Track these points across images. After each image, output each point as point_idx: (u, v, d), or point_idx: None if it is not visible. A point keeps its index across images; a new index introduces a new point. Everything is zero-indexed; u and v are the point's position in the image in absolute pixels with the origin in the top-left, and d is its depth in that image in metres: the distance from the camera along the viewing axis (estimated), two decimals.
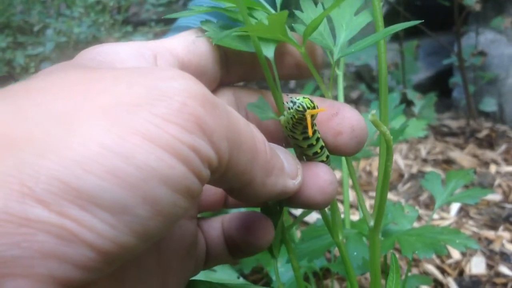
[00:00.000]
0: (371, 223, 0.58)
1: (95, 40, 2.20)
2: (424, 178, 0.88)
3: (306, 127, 0.42)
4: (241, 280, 0.88)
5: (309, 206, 0.42)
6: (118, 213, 0.24)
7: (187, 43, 0.41)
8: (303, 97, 0.41)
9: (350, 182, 1.29)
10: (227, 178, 0.31)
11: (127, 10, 2.58)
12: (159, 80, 0.27)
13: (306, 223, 1.29)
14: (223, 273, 0.88)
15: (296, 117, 0.41)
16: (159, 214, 0.25)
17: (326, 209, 0.54)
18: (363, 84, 2.15)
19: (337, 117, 0.43)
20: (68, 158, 0.23)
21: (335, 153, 0.46)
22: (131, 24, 2.42)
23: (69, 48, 2.19)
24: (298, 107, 0.41)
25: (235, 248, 0.46)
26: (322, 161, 0.45)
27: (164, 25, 2.57)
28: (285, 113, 0.43)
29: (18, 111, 0.25)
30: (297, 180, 0.40)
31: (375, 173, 1.52)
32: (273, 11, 0.53)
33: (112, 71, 0.28)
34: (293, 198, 0.40)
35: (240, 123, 0.31)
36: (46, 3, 2.40)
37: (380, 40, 0.50)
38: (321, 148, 0.45)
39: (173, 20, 2.12)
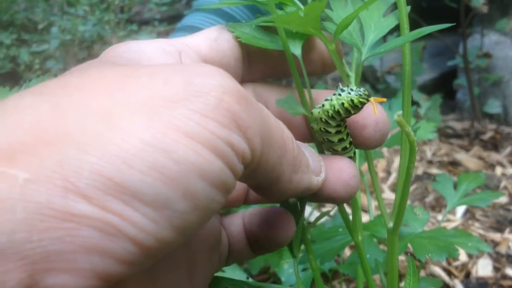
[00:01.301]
0: (390, 224, 0.58)
1: (100, 38, 2.20)
2: (435, 181, 0.88)
3: (345, 119, 0.42)
4: (251, 280, 0.88)
5: (333, 200, 0.43)
6: (160, 207, 0.24)
7: (210, 41, 0.41)
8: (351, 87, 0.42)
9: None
10: (257, 174, 0.31)
11: (130, 9, 2.58)
12: (195, 76, 0.27)
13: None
14: (232, 274, 0.88)
15: (355, 102, 0.41)
16: (198, 208, 0.25)
17: (346, 208, 0.54)
18: (368, 84, 2.15)
19: (363, 111, 0.43)
20: (110, 153, 0.23)
21: (360, 146, 0.46)
22: (135, 23, 2.41)
23: (74, 46, 2.19)
24: (361, 93, 0.41)
25: (257, 244, 0.47)
26: (350, 157, 0.46)
27: (167, 24, 2.57)
28: (324, 105, 0.43)
29: (58, 107, 0.25)
30: (321, 177, 0.40)
31: (381, 174, 1.52)
32: (301, 6, 0.54)
33: (147, 68, 0.28)
34: (317, 193, 0.41)
35: (271, 120, 0.32)
36: (49, 1, 2.40)
37: (407, 42, 0.50)
38: (350, 143, 0.45)
39: (177, 20, 2.12)
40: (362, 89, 0.42)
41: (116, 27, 2.33)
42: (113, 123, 0.24)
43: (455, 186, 0.88)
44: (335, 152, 0.45)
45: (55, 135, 0.24)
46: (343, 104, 0.42)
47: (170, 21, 2.58)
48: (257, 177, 0.32)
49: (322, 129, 0.44)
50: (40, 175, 0.22)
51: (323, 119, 0.43)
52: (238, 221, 0.47)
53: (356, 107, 0.42)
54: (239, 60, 0.44)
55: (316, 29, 0.47)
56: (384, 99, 0.43)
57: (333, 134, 0.43)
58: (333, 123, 0.43)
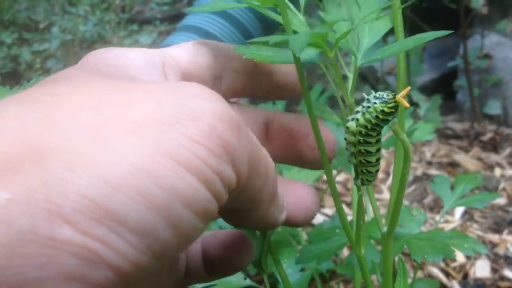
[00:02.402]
0: (385, 229, 0.59)
1: (101, 38, 2.20)
2: (432, 182, 0.89)
3: (383, 125, 0.43)
4: (248, 281, 0.89)
5: (290, 225, 0.43)
6: (144, 235, 0.24)
7: (189, 54, 0.41)
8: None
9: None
10: (237, 201, 0.31)
11: (131, 9, 2.59)
12: (189, 98, 0.27)
13: (311, 225, 1.29)
14: None
15: (387, 111, 0.42)
16: (181, 236, 0.25)
17: (348, 221, 0.55)
18: (368, 85, 2.16)
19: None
20: (98, 176, 0.23)
21: (310, 167, 0.48)
22: (136, 23, 2.42)
23: (74, 46, 2.19)
24: (387, 100, 0.42)
25: (212, 267, 0.46)
26: (377, 171, 0.47)
27: (168, 24, 2.57)
28: (358, 119, 0.43)
29: (45, 119, 0.24)
30: (284, 214, 0.40)
31: (380, 175, 1.52)
32: (297, 12, 0.54)
33: (141, 84, 0.28)
34: None
35: (259, 147, 0.32)
36: (51, 0, 2.40)
37: (407, 49, 0.50)
38: (380, 153, 0.47)
39: (178, 19, 2.12)
40: (385, 94, 0.42)
41: (117, 27, 2.34)
42: (103, 142, 0.24)
43: (453, 187, 0.88)
44: (367, 164, 0.46)
45: (42, 151, 0.23)
46: (377, 117, 0.42)
47: (172, 20, 2.59)
48: (237, 203, 0.32)
49: (361, 140, 0.45)
50: (23, 195, 0.21)
51: (363, 132, 0.44)
52: (196, 242, 0.46)
53: (390, 113, 0.42)
54: (214, 76, 0.43)
55: (324, 41, 0.47)
56: (406, 103, 0.44)
57: (373, 144, 0.44)
58: (374, 133, 0.43)
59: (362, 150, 0.45)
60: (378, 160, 0.47)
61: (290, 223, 0.42)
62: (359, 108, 0.44)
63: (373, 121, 0.43)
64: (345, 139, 0.46)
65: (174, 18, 2.59)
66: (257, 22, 1.93)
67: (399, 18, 0.55)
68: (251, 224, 0.36)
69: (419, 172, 1.52)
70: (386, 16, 0.56)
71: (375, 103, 0.42)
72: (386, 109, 0.42)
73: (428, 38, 0.48)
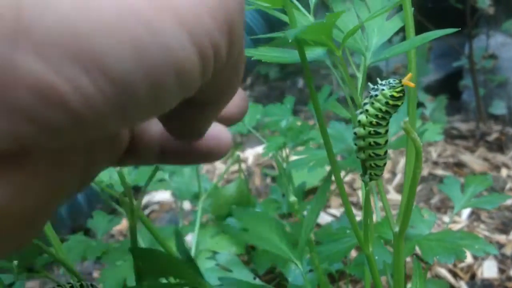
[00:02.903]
0: (396, 229, 0.59)
1: None
2: (442, 182, 0.88)
3: (393, 112, 0.44)
4: (258, 281, 0.89)
5: (225, 123, 0.40)
6: (120, 87, 0.21)
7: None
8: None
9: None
10: (206, 89, 0.28)
11: None
12: None
13: (318, 225, 1.29)
14: (239, 274, 0.88)
15: (396, 95, 0.43)
16: (155, 99, 0.23)
17: (358, 220, 0.55)
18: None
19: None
20: (88, 8, 0.19)
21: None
22: None
23: None
24: (394, 85, 0.44)
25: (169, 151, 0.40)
26: (385, 164, 0.48)
27: None
28: (368, 110, 0.45)
29: None
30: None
31: (386, 175, 1.52)
32: (306, 13, 0.54)
33: None
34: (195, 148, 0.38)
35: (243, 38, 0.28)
36: None
37: (415, 47, 0.50)
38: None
39: None
40: (391, 80, 0.44)
41: None
42: None
43: (462, 187, 0.88)
44: (376, 158, 0.47)
45: None
46: (387, 103, 0.44)
47: None
48: (204, 92, 0.28)
49: (371, 132, 0.45)
50: None
51: (374, 123, 0.45)
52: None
53: (399, 98, 0.44)
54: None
55: (328, 37, 0.48)
56: (411, 83, 0.45)
57: (383, 135, 0.45)
58: (384, 122, 0.45)
59: (372, 143, 0.46)
60: (386, 153, 0.48)
61: (225, 120, 0.39)
62: (366, 100, 0.46)
63: (383, 108, 0.44)
64: (355, 133, 0.47)
65: None
66: (263, 23, 1.93)
67: (410, 17, 0.55)
68: (193, 129, 0.33)
69: (425, 172, 1.52)
70: (396, 16, 0.56)
71: (383, 89, 0.44)
72: (395, 94, 0.43)
73: (436, 35, 0.48)
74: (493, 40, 1.88)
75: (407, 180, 0.59)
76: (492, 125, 1.79)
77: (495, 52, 1.85)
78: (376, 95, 0.45)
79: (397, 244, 0.59)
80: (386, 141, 0.48)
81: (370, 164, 0.49)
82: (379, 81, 0.45)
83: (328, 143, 0.53)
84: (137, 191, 1.63)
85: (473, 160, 1.55)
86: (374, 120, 0.45)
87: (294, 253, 0.56)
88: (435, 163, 1.57)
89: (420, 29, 0.52)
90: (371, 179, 0.52)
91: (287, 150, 1.08)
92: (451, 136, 1.76)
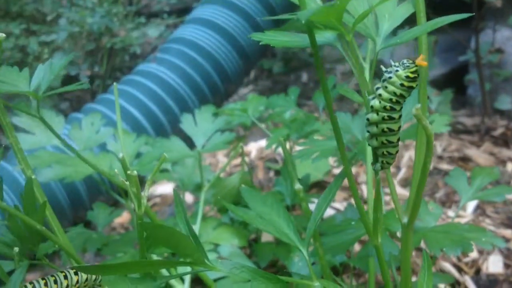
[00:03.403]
0: (405, 220, 0.57)
1: (108, 31, 2.19)
2: (449, 175, 0.87)
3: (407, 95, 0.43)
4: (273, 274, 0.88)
5: None
6: None
7: None
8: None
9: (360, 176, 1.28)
10: None
11: (139, 2, 2.57)
12: None
13: (321, 218, 1.28)
14: None
15: (411, 76, 0.43)
16: None
17: (367, 210, 0.54)
18: (377, 79, 2.14)
19: None
20: None
21: None
22: (144, 16, 2.40)
23: (82, 38, 2.18)
24: (408, 65, 0.43)
25: None
26: (397, 152, 0.48)
27: (176, 17, 2.56)
28: (381, 94, 0.44)
29: None
30: None
31: (391, 169, 1.50)
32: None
33: None
34: None
35: None
36: None
37: (425, 32, 0.49)
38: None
39: (186, 12, 2.11)
40: (405, 60, 0.43)
41: (125, 20, 2.32)
42: None
43: (468, 181, 0.87)
44: (389, 145, 0.47)
45: None
46: (402, 84, 0.43)
47: (179, 13, 2.57)
48: None
49: (385, 117, 0.45)
50: None
51: (387, 107, 0.44)
52: None
53: (414, 79, 0.43)
54: None
55: (339, 20, 0.47)
56: (425, 62, 0.45)
57: (396, 120, 0.45)
58: (398, 107, 0.44)
59: (385, 129, 0.46)
60: (398, 140, 0.47)
61: None
62: (379, 85, 0.45)
63: (398, 91, 0.44)
64: (367, 119, 0.46)
65: (181, 11, 2.57)
66: (265, 14, 1.92)
67: (421, 3, 0.54)
68: None
69: (430, 166, 1.51)
70: (407, 2, 0.55)
71: (397, 71, 0.43)
72: (410, 75, 0.43)
73: (446, 21, 0.47)
74: (499, 35, 1.86)
75: (416, 170, 0.58)
76: (497, 120, 1.78)
77: (502, 46, 1.83)
78: (390, 77, 0.44)
79: (405, 236, 0.58)
80: (399, 127, 0.47)
81: (383, 152, 0.49)
82: (393, 63, 0.45)
83: (337, 131, 0.52)
84: (140, 182, 1.63)
85: (479, 155, 1.53)
86: (388, 105, 0.45)
87: (301, 242, 0.55)
88: (440, 157, 1.56)
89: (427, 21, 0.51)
90: (382, 168, 0.51)
91: (291, 142, 1.07)
92: (456, 130, 1.75)
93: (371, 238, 0.53)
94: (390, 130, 0.46)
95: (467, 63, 1.95)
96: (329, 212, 1.30)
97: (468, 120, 1.80)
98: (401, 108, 0.46)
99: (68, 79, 2.16)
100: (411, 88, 0.44)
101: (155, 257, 0.80)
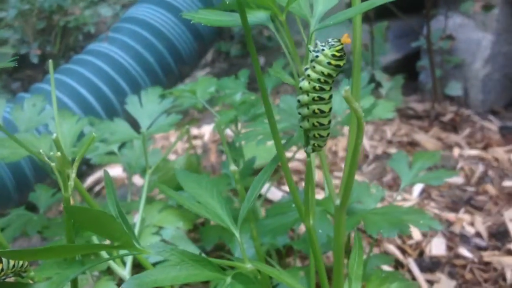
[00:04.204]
0: (337, 201, 0.58)
1: (60, 9, 2.13)
2: (391, 159, 0.88)
3: (335, 74, 0.44)
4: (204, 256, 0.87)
5: None
6: None
7: None
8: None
9: (317, 161, 1.29)
10: None
11: None
12: None
13: (271, 201, 1.28)
14: (185, 249, 0.87)
15: (338, 54, 0.43)
16: None
17: (298, 192, 0.54)
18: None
19: None
20: None
21: None
22: None
23: (32, 16, 2.12)
24: (334, 44, 0.43)
25: None
26: (328, 135, 0.48)
27: None
28: (309, 75, 0.44)
29: None
30: None
31: (341, 153, 1.52)
32: None
33: None
34: None
35: None
36: None
37: (357, 14, 0.49)
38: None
39: None
40: (329, 39, 0.44)
41: None
42: None
43: (411, 164, 0.88)
44: (320, 127, 0.47)
45: None
46: (329, 63, 0.43)
47: None
48: None
49: (315, 98, 0.45)
50: None
51: (317, 87, 0.44)
52: None
53: (340, 57, 0.43)
54: None
55: (272, 0, 0.46)
56: (349, 40, 0.45)
57: (327, 101, 0.45)
58: (327, 87, 0.44)
59: (316, 110, 0.46)
60: (329, 122, 0.48)
61: None
62: (307, 66, 0.45)
63: (325, 70, 0.44)
64: (298, 101, 0.46)
65: None
66: None
67: None
68: None
69: (379, 150, 1.53)
70: None
71: (323, 49, 0.43)
72: (336, 53, 0.43)
73: (378, 3, 0.47)
74: (452, 21, 1.89)
75: (349, 152, 0.58)
76: (447, 105, 1.81)
77: (453, 33, 1.86)
78: (317, 56, 0.44)
79: (338, 217, 0.58)
80: (330, 109, 0.47)
81: (314, 134, 0.49)
82: (318, 43, 0.45)
83: (271, 116, 0.51)
84: (90, 166, 1.59)
85: (427, 139, 1.56)
86: (317, 85, 0.45)
87: (233, 224, 0.55)
88: (390, 142, 1.58)
89: (379, 7, 0.51)
90: (313, 150, 0.51)
91: (240, 125, 1.06)
92: (406, 116, 1.78)
93: (302, 220, 0.53)
94: (321, 111, 0.46)
95: (419, 50, 1.98)
96: (278, 195, 1.31)
97: (418, 106, 1.83)
98: (331, 88, 0.46)
99: (19, 58, 2.10)
100: (339, 66, 0.44)
101: (95, 240, 0.79)
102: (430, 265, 1.08)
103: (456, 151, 1.50)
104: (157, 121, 0.96)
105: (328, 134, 0.49)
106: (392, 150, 1.52)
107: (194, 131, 1.78)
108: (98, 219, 0.45)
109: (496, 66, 1.87)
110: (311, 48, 0.46)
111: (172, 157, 1.60)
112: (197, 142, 1.71)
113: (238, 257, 0.82)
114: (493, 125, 1.68)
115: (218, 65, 2.57)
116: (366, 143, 1.57)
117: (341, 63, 0.44)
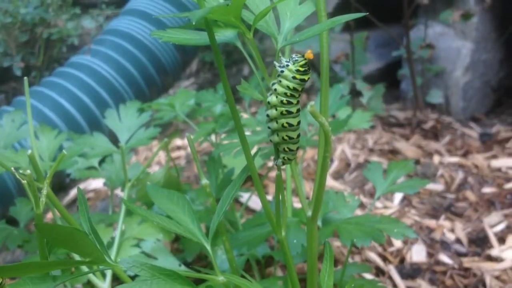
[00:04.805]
0: (309, 213, 0.59)
1: (42, 21, 2.13)
2: (366, 168, 0.90)
3: (300, 88, 0.45)
4: (183, 267, 0.88)
5: None
6: None
7: None
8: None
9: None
10: None
11: None
12: None
13: (253, 211, 1.29)
14: (165, 261, 0.87)
15: (302, 69, 0.45)
16: None
17: (270, 204, 0.55)
18: (316, 73, 2.16)
19: None
20: None
21: None
22: (80, 6, 2.36)
23: (15, 29, 2.12)
24: (298, 59, 0.45)
25: None
26: (297, 148, 0.50)
27: (115, 7, 2.52)
28: (276, 89, 0.46)
29: None
30: None
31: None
32: None
33: None
34: None
35: None
36: None
37: (324, 31, 0.50)
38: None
39: (125, 3, 2.07)
40: (293, 55, 0.45)
41: (59, 10, 2.27)
42: None
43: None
44: (289, 141, 0.48)
45: None
46: (294, 77, 0.45)
47: (118, 4, 2.53)
48: None
49: (283, 112, 0.46)
50: None
51: (284, 101, 0.46)
52: None
53: (305, 72, 0.45)
54: None
55: (237, 18, 0.47)
56: (311, 55, 0.47)
57: (295, 114, 0.46)
58: (294, 100, 0.45)
59: (285, 124, 0.47)
60: (298, 136, 0.49)
61: None
62: (275, 81, 0.47)
63: (291, 85, 0.45)
64: (267, 115, 0.48)
65: (121, 2, 2.53)
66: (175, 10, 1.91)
67: (322, 2, 0.55)
68: None
69: (361, 159, 1.54)
70: (308, 1, 0.56)
71: (287, 65, 0.45)
72: (300, 68, 0.45)
73: (343, 20, 0.48)
74: (432, 30, 1.92)
75: (318, 165, 0.59)
76: (428, 113, 1.83)
77: (434, 42, 1.88)
78: (282, 71, 0.46)
79: (310, 228, 0.59)
80: (299, 122, 0.49)
81: (284, 148, 0.50)
82: (283, 59, 0.47)
83: (239, 127, 0.52)
84: (73, 180, 1.59)
85: (407, 147, 1.58)
86: (284, 99, 0.47)
87: (204, 237, 0.56)
88: (371, 150, 1.59)
89: (359, 19, 0.53)
90: (283, 163, 0.52)
91: (220, 137, 1.07)
92: (388, 124, 1.79)
93: (275, 232, 0.54)
94: (290, 125, 0.48)
95: (401, 58, 2.00)
96: (259, 203, 1.32)
97: (400, 114, 1.85)
98: (298, 102, 0.47)
99: (1, 71, 2.09)
100: (304, 81, 0.46)
101: (77, 256, 0.79)
102: (411, 272, 1.09)
103: (436, 159, 1.52)
104: (136, 134, 0.96)
105: (297, 148, 0.51)
106: (374, 158, 1.53)
107: (178, 142, 1.78)
108: (69, 236, 0.45)
109: (476, 74, 1.90)
110: (276, 64, 0.47)
111: (155, 168, 1.60)
112: (181, 153, 1.71)
113: (220, 267, 0.83)
114: (473, 132, 1.70)
115: (202, 76, 2.58)
116: (348, 151, 1.58)
117: (305, 77, 0.46)
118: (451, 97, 1.88)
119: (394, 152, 1.57)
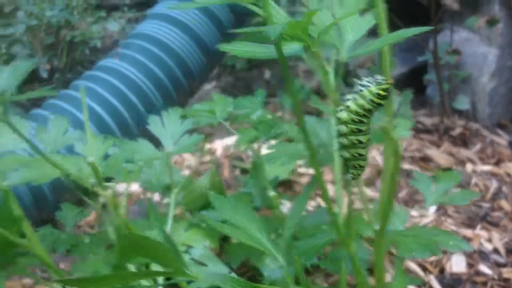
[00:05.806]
0: (377, 226, 0.58)
1: (67, 24, 2.14)
2: (414, 179, 0.89)
3: (375, 110, 0.44)
4: (233, 274, 0.88)
5: None
6: None
7: None
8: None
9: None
10: None
11: None
12: None
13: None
14: (214, 268, 0.87)
15: (382, 93, 0.43)
16: None
17: (340, 219, 0.55)
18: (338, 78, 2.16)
19: None
20: None
21: None
22: (105, 9, 2.36)
23: (41, 31, 2.13)
24: (381, 82, 0.43)
25: None
26: (366, 164, 0.48)
27: (137, 10, 2.52)
28: (349, 106, 0.44)
29: None
30: None
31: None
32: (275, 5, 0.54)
33: None
34: None
35: None
36: None
37: (386, 44, 0.51)
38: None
39: (146, 6, 2.08)
40: (378, 76, 0.44)
41: (84, 13, 2.27)
42: None
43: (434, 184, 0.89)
44: (359, 157, 0.47)
45: None
46: (372, 100, 0.43)
47: (140, 7, 2.54)
48: None
49: (354, 130, 0.45)
50: None
51: (355, 120, 0.45)
52: None
53: (384, 97, 0.44)
54: None
55: (305, 32, 0.48)
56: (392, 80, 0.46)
57: (365, 132, 0.45)
58: (366, 120, 0.44)
59: (355, 141, 0.46)
60: (367, 153, 0.48)
61: None
62: (349, 96, 0.46)
63: (366, 106, 0.44)
64: (338, 131, 0.47)
65: (142, 5, 2.54)
66: (230, 14, 1.91)
67: (383, 15, 0.56)
68: None
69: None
70: (369, 13, 0.57)
71: (369, 86, 0.44)
72: (381, 92, 0.44)
73: (408, 34, 0.48)
74: (457, 36, 1.91)
75: (386, 179, 0.59)
76: (456, 120, 1.82)
77: (459, 47, 1.88)
78: (361, 91, 0.45)
79: (378, 242, 0.59)
80: (369, 139, 0.48)
81: (354, 165, 0.49)
82: (365, 78, 0.46)
83: (308, 140, 0.52)
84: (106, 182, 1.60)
85: (439, 155, 1.57)
86: (355, 117, 0.45)
87: (274, 247, 0.55)
88: (402, 157, 1.59)
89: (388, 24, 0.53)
90: (353, 179, 0.52)
91: (259, 144, 1.07)
92: (416, 130, 1.79)
93: (345, 246, 0.54)
94: (360, 142, 0.47)
95: (426, 63, 2.00)
96: (287, 205, 1.32)
97: (427, 120, 1.85)
98: (369, 121, 0.47)
99: (27, 73, 2.11)
100: (380, 105, 0.45)
101: (131, 266, 0.79)
102: (451, 282, 1.08)
103: (469, 167, 1.51)
104: (181, 141, 0.97)
105: (366, 164, 0.50)
106: (405, 166, 1.53)
107: (206, 145, 1.78)
108: (151, 247, 0.45)
109: (502, 80, 1.89)
110: (358, 81, 0.47)
111: (186, 172, 1.60)
112: (211, 157, 1.71)
113: (269, 277, 0.82)
114: (502, 140, 1.69)
115: (224, 79, 2.58)
116: (379, 158, 1.57)
117: (383, 102, 0.45)
118: (478, 104, 1.87)
119: (425, 159, 1.56)
